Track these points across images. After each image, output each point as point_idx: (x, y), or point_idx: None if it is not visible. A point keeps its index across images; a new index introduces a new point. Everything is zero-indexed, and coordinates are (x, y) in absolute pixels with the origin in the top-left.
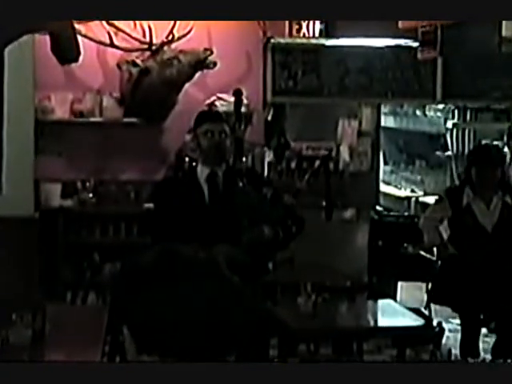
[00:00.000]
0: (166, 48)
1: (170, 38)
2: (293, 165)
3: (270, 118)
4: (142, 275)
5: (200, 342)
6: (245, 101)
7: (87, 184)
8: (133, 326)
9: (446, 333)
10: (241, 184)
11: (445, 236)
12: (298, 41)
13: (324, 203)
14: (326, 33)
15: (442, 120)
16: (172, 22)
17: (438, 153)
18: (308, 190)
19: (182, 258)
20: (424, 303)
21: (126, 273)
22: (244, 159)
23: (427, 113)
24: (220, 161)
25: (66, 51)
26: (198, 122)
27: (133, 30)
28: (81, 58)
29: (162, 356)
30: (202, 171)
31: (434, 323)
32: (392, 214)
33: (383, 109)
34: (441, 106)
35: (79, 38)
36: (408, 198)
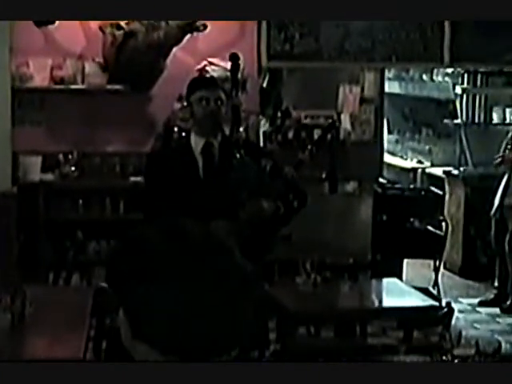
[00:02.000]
0: None
1: None
2: (290, 135)
3: (265, 84)
4: (146, 253)
5: (205, 335)
6: (241, 65)
7: (69, 156)
8: (130, 310)
9: (456, 313)
10: (238, 156)
11: None
12: None
13: (324, 175)
14: None
15: (451, 85)
16: None
17: (446, 121)
18: (309, 162)
19: (192, 239)
20: (432, 282)
21: (126, 250)
22: (241, 129)
23: (434, 77)
24: (215, 130)
25: None
26: (191, 88)
27: None
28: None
29: (160, 346)
30: (197, 142)
31: (443, 303)
32: (397, 186)
33: (387, 73)
34: (449, 70)
35: None
36: (414, 170)
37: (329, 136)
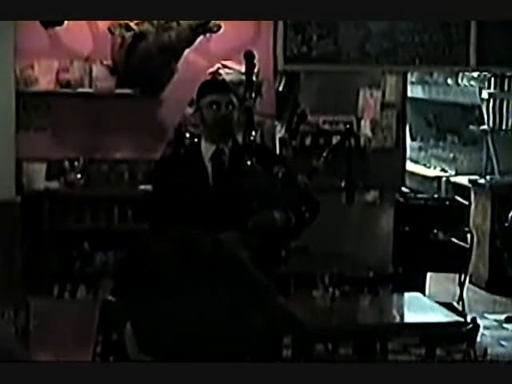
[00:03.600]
0: None
1: None
2: (307, 141)
3: (281, 88)
4: (154, 265)
5: (214, 350)
6: (257, 66)
7: (75, 163)
8: (137, 324)
9: (481, 330)
10: (249, 163)
11: None
12: None
13: (343, 184)
14: None
15: (477, 90)
16: None
17: (472, 127)
18: (325, 170)
19: (202, 252)
20: (456, 297)
21: (134, 261)
22: (254, 133)
23: (460, 81)
24: (226, 136)
25: None
26: (201, 92)
27: None
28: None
29: (168, 361)
30: (207, 149)
31: (468, 319)
32: (420, 196)
33: (410, 77)
34: (475, 74)
35: None
36: (438, 178)
37: (346, 142)
